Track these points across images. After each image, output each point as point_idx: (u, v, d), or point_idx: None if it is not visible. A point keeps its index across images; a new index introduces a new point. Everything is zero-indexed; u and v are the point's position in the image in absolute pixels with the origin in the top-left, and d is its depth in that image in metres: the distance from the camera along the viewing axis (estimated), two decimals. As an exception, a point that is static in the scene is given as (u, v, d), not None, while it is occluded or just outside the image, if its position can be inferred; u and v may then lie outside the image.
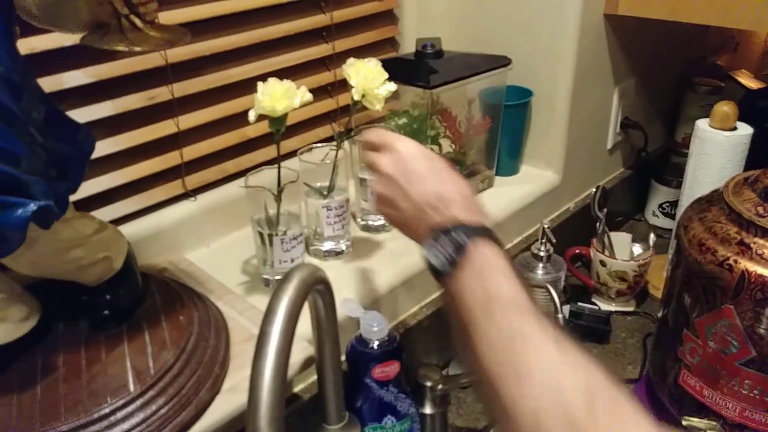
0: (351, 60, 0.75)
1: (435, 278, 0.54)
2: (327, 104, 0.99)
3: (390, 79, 0.75)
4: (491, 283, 0.49)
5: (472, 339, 0.48)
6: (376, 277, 0.81)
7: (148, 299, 0.67)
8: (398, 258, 0.85)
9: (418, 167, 0.59)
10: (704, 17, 0.91)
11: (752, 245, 0.66)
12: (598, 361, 0.44)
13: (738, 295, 0.66)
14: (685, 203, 0.98)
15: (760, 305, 0.65)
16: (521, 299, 0.47)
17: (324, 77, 0.97)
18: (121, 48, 0.53)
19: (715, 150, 0.95)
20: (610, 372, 0.43)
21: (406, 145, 0.61)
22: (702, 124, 0.98)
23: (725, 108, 0.95)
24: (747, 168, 0.95)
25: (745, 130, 0.96)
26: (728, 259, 0.67)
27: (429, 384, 0.78)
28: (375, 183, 0.62)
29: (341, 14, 0.96)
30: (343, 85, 0.93)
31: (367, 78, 0.73)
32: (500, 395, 0.44)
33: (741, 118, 0.97)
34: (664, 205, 1.27)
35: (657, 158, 1.32)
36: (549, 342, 0.44)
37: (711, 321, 0.70)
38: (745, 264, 0.66)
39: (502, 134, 1.02)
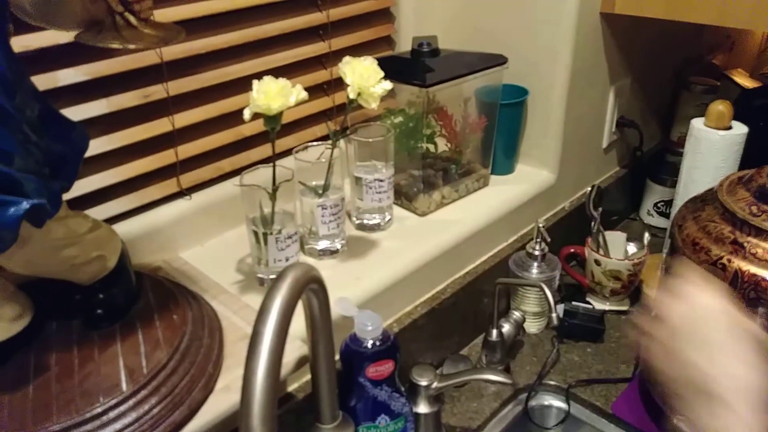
0: (347, 58, 0.74)
1: None
2: (323, 102, 0.99)
3: (386, 77, 0.75)
4: None
5: None
6: (371, 276, 0.81)
7: (141, 298, 0.67)
8: (393, 257, 0.85)
9: (705, 332, 0.49)
10: (701, 16, 0.92)
11: (746, 244, 0.66)
12: None
13: (731, 294, 0.66)
14: (679, 202, 0.98)
15: (753, 304, 0.65)
16: None
17: (320, 75, 0.97)
18: (115, 46, 0.53)
19: (710, 149, 0.95)
20: None
21: (707, 301, 0.51)
22: (697, 123, 0.98)
23: (720, 107, 0.95)
24: (742, 167, 0.96)
25: (740, 129, 0.96)
26: (722, 258, 0.67)
27: (423, 383, 0.78)
28: (652, 328, 0.53)
29: (337, 12, 0.96)
30: (339, 84, 0.92)
31: (363, 76, 0.73)
32: None
33: (736, 118, 0.97)
34: (659, 204, 1.27)
35: (652, 157, 1.33)
36: None
37: (705, 320, 0.70)
38: (739, 263, 0.66)
39: (497, 133, 1.02)
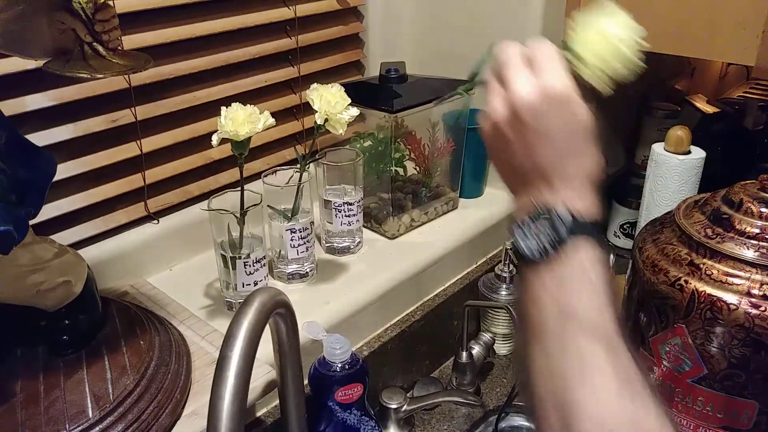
0: (314, 85, 0.76)
1: (516, 257, 0.47)
2: (293, 126, 1.00)
3: (354, 102, 0.76)
4: (575, 297, 0.43)
5: (532, 345, 0.44)
6: (340, 300, 0.82)
7: (108, 324, 0.66)
8: (363, 280, 0.86)
9: (541, 122, 0.48)
10: (658, 46, 0.95)
11: (701, 266, 0.68)
12: (667, 414, 0.38)
13: (689, 314, 0.68)
14: (643, 224, 1.00)
15: (710, 324, 0.67)
16: (602, 323, 0.42)
17: (290, 99, 0.98)
18: (83, 75, 0.54)
19: (670, 173, 0.98)
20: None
21: (535, 86, 0.48)
22: (658, 147, 1.01)
23: (679, 132, 0.98)
24: (702, 190, 0.98)
25: (698, 154, 0.99)
26: (679, 279, 0.69)
27: (393, 406, 0.78)
28: (485, 121, 0.51)
29: (307, 38, 0.97)
30: (308, 108, 0.93)
31: (330, 103, 0.74)
32: (542, 417, 0.41)
33: (696, 142, 1.00)
34: (624, 226, 1.30)
35: (617, 180, 1.36)
36: (611, 382, 0.40)
37: (664, 339, 0.72)
38: (695, 284, 0.68)
39: (466, 157, 1.04)
